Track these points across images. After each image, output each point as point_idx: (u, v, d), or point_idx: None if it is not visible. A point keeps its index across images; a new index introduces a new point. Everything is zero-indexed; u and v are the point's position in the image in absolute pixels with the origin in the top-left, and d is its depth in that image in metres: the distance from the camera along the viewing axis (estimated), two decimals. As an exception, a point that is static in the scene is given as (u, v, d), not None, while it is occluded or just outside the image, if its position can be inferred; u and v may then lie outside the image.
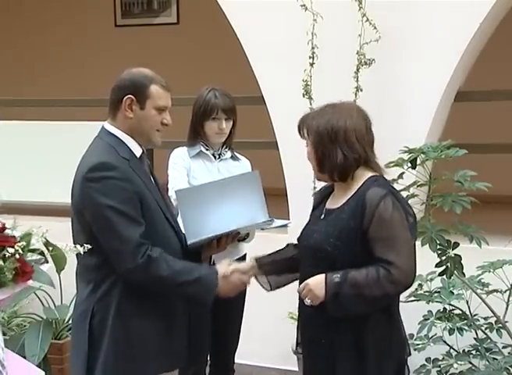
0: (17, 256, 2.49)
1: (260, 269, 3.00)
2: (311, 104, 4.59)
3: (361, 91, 4.54)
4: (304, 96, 4.63)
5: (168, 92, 2.90)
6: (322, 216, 2.84)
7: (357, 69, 4.55)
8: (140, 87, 2.82)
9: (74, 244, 2.82)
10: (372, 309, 2.69)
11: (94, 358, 2.79)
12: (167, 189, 3.61)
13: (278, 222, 3.42)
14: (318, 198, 2.97)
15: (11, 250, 2.47)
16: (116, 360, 2.80)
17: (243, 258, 3.75)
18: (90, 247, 2.67)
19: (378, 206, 2.64)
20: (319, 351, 2.77)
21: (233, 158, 3.84)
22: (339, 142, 2.70)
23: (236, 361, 3.90)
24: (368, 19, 4.52)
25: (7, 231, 2.55)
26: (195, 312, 3.10)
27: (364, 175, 2.77)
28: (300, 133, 2.84)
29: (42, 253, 3.03)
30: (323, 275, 2.68)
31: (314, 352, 2.81)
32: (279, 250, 3.07)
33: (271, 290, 3.03)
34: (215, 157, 3.77)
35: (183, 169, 3.68)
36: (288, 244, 3.06)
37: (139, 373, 2.86)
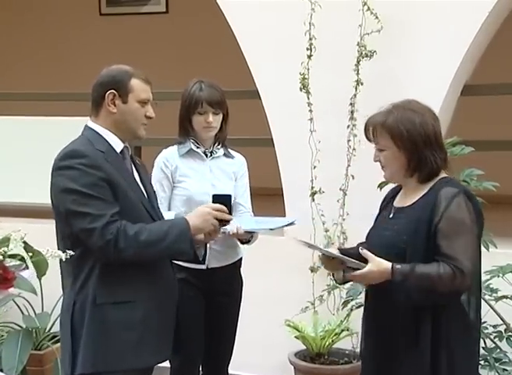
0: None
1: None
2: (308, 98, 4.59)
3: (362, 84, 4.54)
4: (301, 90, 4.61)
5: (149, 85, 3.02)
6: (391, 214, 2.95)
7: (358, 62, 4.54)
8: (121, 81, 2.96)
9: (58, 243, 2.92)
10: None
11: (77, 347, 2.89)
12: None
13: (282, 220, 3.62)
14: (387, 199, 3.08)
15: None
16: (95, 350, 2.87)
17: (240, 260, 3.73)
18: (72, 253, 2.70)
19: (450, 204, 2.75)
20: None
21: (226, 155, 3.75)
22: (433, 145, 2.83)
23: (230, 372, 3.85)
24: (369, 9, 4.49)
25: None
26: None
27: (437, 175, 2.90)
28: (371, 135, 2.89)
29: (22, 259, 3.11)
30: (388, 266, 2.76)
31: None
32: (350, 248, 3.13)
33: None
34: (206, 155, 3.68)
35: (164, 181, 3.64)
36: (358, 244, 3.08)
37: (116, 365, 2.89)
